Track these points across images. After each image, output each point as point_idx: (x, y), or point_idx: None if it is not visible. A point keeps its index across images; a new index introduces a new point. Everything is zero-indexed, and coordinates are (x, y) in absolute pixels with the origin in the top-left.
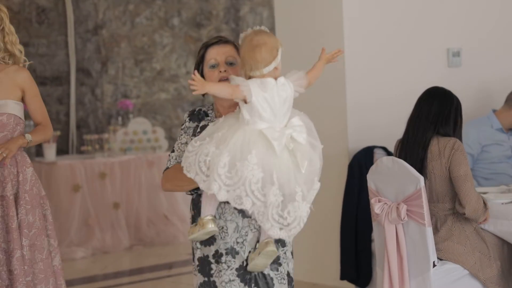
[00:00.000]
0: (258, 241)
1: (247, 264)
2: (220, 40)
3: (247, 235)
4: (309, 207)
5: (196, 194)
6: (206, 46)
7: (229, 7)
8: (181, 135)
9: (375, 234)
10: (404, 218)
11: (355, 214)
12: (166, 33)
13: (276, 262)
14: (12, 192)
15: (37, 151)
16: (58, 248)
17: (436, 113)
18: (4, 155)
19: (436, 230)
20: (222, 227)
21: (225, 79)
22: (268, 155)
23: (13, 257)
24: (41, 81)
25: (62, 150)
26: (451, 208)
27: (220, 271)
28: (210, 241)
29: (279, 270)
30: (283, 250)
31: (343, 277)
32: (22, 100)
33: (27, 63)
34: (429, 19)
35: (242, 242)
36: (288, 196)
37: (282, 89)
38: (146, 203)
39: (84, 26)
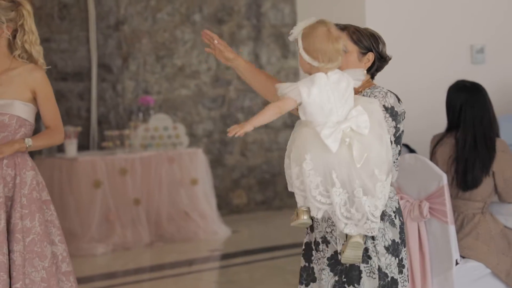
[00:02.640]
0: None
1: (337, 255)
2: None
3: (334, 225)
4: (376, 200)
5: None
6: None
7: (250, 3)
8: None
9: None
10: (426, 216)
11: None
12: (187, 29)
13: (365, 254)
14: (4, 194)
15: (58, 147)
16: (67, 253)
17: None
18: None
19: (461, 227)
20: (313, 217)
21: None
22: (325, 154)
23: None
24: (62, 77)
25: (83, 146)
26: (480, 208)
27: (319, 258)
28: (312, 228)
29: (369, 263)
30: (373, 243)
31: None
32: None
33: (45, 67)
34: (453, 15)
35: (331, 232)
36: (351, 193)
37: (334, 82)
38: (166, 199)
39: (106, 22)
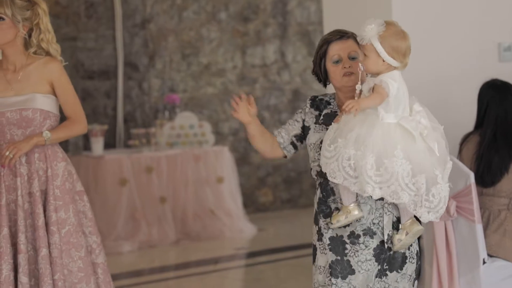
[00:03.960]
0: (394, 223)
1: (383, 245)
2: (342, 36)
3: (382, 217)
4: (448, 185)
5: (324, 179)
6: (329, 42)
7: (276, 1)
8: (297, 113)
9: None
10: (453, 215)
11: None
12: (213, 27)
13: None
14: (40, 188)
15: (84, 145)
16: (101, 245)
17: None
18: (11, 156)
19: (487, 224)
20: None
21: (349, 74)
22: (410, 145)
23: (39, 256)
24: (89, 75)
25: (109, 144)
26: (506, 204)
27: (357, 251)
28: (355, 221)
29: (410, 249)
30: None
31: None
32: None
33: (63, 63)
34: (481, 13)
35: (378, 223)
36: (430, 180)
37: (403, 80)
38: (192, 197)
39: (132, 20)
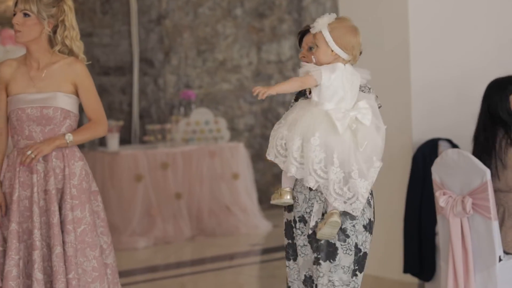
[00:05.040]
0: (324, 212)
1: (313, 233)
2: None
3: (313, 206)
4: (368, 183)
5: None
6: (302, 34)
7: None
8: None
9: (439, 227)
10: (469, 212)
11: (419, 207)
12: (229, 23)
13: (344, 233)
14: (56, 186)
15: (100, 141)
16: (111, 246)
17: None
18: (33, 156)
19: (503, 220)
20: (295, 197)
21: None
22: (331, 135)
23: (53, 253)
24: (104, 71)
25: (125, 140)
26: None
27: (298, 235)
28: (291, 207)
29: (347, 241)
30: (351, 223)
31: (406, 270)
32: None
33: (86, 62)
34: (497, 8)
35: (310, 212)
36: (348, 173)
37: (350, 73)
38: (208, 193)
39: (147, 16)
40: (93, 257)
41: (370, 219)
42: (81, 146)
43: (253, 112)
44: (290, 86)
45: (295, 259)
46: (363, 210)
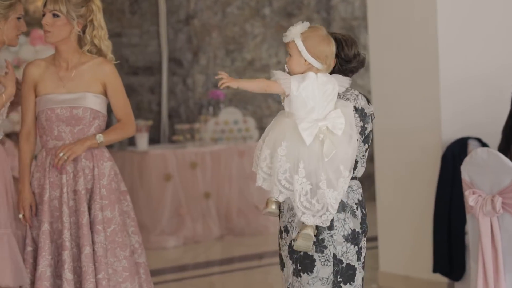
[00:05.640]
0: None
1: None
2: None
3: (294, 216)
4: (338, 194)
5: None
6: None
7: None
8: None
9: (469, 227)
10: (499, 211)
11: (449, 206)
12: (257, 23)
13: (321, 244)
14: (85, 186)
15: (129, 141)
16: (142, 245)
17: None
18: (65, 157)
19: None
20: (281, 207)
21: None
22: (299, 145)
23: (82, 253)
24: (133, 71)
25: (154, 140)
26: None
27: (283, 246)
28: (280, 217)
29: (324, 252)
30: (329, 233)
31: (435, 270)
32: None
33: (114, 62)
34: None
35: (291, 222)
36: (316, 185)
37: (321, 83)
38: (236, 193)
39: (176, 16)
40: (124, 257)
41: (354, 230)
42: (110, 146)
43: None
44: (254, 86)
45: (282, 269)
46: (344, 220)
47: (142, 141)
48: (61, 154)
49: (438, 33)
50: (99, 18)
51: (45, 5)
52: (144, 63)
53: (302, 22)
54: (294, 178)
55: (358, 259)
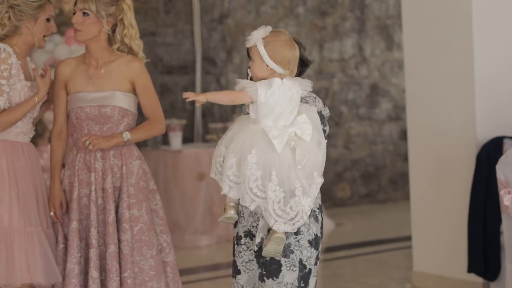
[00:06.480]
0: (270, 228)
1: (260, 249)
2: None
3: (259, 221)
4: (311, 200)
5: None
6: None
7: None
8: None
9: (504, 227)
10: None
11: (484, 206)
12: (291, 21)
13: (288, 249)
14: (113, 185)
15: (163, 140)
16: (171, 244)
17: None
18: (90, 147)
19: None
20: (240, 212)
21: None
22: (269, 153)
23: (107, 252)
24: (167, 70)
25: (187, 139)
26: None
27: (240, 252)
28: (235, 224)
29: (290, 257)
30: (296, 238)
31: (470, 269)
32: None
33: (145, 60)
34: None
35: (256, 226)
36: (289, 192)
37: (287, 89)
38: None
39: (210, 15)
40: (150, 256)
41: (316, 235)
42: (144, 145)
43: None
44: (221, 98)
45: (235, 277)
46: (309, 225)
47: (176, 140)
48: (87, 143)
49: (473, 31)
50: (129, 17)
51: (75, 3)
52: (178, 62)
53: (265, 26)
54: (267, 186)
55: (315, 264)
